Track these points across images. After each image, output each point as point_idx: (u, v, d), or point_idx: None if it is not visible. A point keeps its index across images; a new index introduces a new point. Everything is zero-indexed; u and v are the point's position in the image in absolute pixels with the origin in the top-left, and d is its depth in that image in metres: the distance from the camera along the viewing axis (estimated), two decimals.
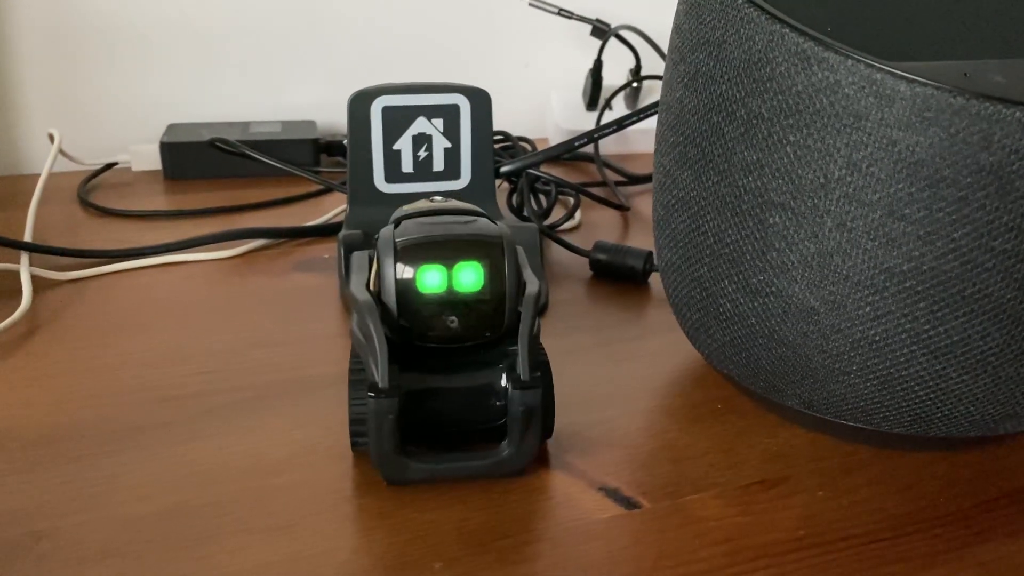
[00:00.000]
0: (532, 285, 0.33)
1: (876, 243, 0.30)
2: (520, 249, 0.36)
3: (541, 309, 0.47)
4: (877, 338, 0.31)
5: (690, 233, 0.35)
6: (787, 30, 0.30)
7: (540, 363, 0.34)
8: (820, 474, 0.35)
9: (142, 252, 0.52)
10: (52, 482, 0.33)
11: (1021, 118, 0.27)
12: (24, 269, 0.48)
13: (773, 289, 0.32)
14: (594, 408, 0.39)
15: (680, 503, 0.33)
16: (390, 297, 0.32)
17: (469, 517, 0.32)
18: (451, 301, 0.32)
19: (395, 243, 0.32)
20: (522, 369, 0.32)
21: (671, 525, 0.32)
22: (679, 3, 0.36)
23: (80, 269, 0.50)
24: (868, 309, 0.31)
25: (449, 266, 0.32)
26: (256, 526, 0.31)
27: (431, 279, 0.32)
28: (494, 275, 0.32)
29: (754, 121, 0.31)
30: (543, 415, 0.34)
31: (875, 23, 0.32)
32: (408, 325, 0.33)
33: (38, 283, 0.49)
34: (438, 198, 0.36)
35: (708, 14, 0.33)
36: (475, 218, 0.34)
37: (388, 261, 0.32)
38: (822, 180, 0.30)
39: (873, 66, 0.28)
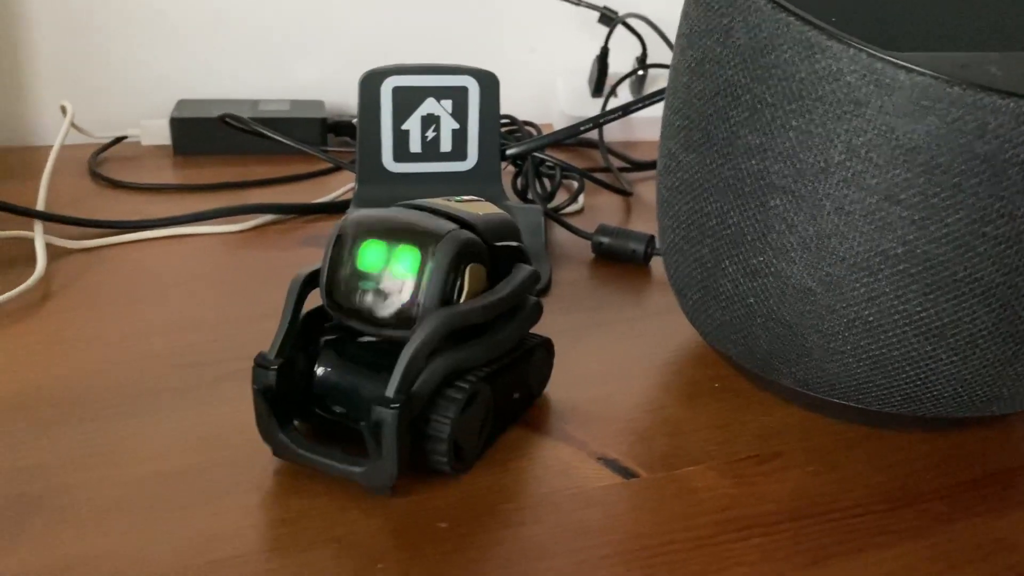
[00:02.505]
0: (450, 311, 0.31)
1: (872, 226, 0.31)
2: (525, 273, 0.35)
3: (542, 290, 0.48)
4: (871, 319, 0.32)
5: (693, 215, 0.36)
6: (792, 19, 0.31)
7: (468, 391, 0.32)
8: (812, 451, 0.36)
9: (154, 223, 0.53)
10: (70, 441, 0.34)
11: (1015, 109, 0.28)
12: (39, 237, 0.49)
13: (772, 270, 0.34)
14: (594, 383, 0.40)
15: (676, 474, 0.34)
16: (324, 269, 0.32)
17: (473, 482, 0.33)
18: (368, 279, 0.32)
19: (344, 221, 0.33)
20: (391, 384, 0.30)
21: (667, 494, 0.33)
22: None
23: (92, 239, 0.51)
24: (863, 290, 0.32)
25: (391, 245, 0.31)
26: (269, 485, 0.32)
27: (364, 255, 0.32)
28: (423, 270, 0.31)
29: (759, 106, 0.32)
30: (432, 438, 0.31)
31: (878, 14, 0.33)
32: (330, 296, 0.32)
33: (51, 251, 0.50)
34: (468, 197, 0.36)
35: (716, 2, 0.34)
36: (440, 217, 0.33)
37: (332, 235, 0.33)
38: (822, 164, 0.31)
39: (874, 55, 0.29)
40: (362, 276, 0.32)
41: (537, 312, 0.37)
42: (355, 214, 0.33)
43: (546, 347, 0.38)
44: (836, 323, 0.33)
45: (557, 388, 0.39)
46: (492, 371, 0.34)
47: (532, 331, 0.38)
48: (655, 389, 0.40)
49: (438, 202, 0.35)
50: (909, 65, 0.29)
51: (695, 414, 0.38)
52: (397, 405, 0.30)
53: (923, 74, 0.29)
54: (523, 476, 0.34)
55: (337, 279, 0.32)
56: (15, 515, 0.30)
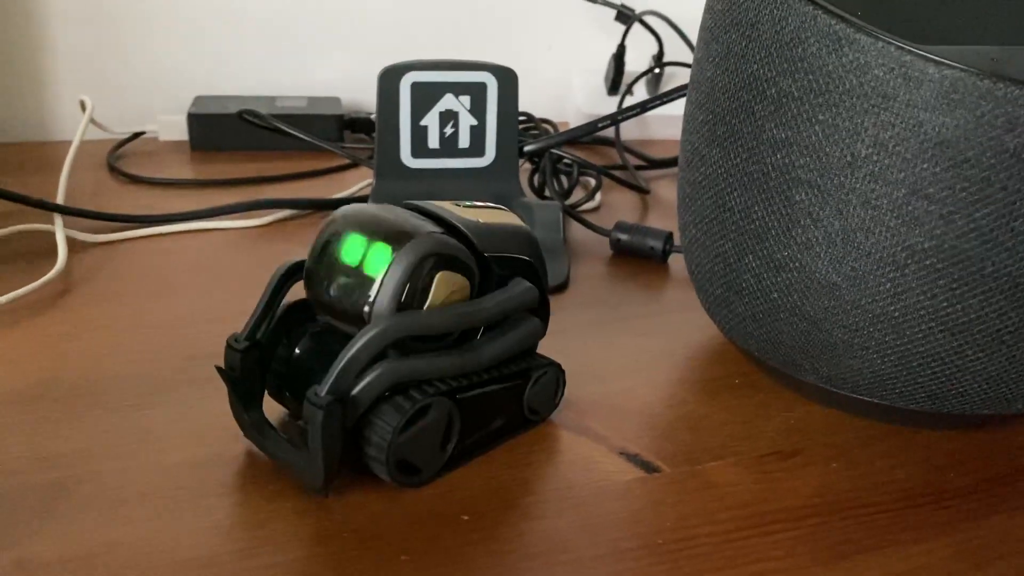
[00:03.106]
0: (399, 317, 0.30)
1: (899, 221, 0.31)
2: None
3: (560, 287, 0.48)
4: (896, 314, 0.32)
5: (716, 210, 0.36)
6: (820, 12, 0.31)
7: (418, 403, 0.30)
8: (834, 447, 0.36)
9: (173, 218, 0.53)
10: (92, 431, 0.34)
11: None
12: (59, 230, 0.49)
13: (797, 264, 0.33)
14: (614, 378, 0.40)
15: (699, 469, 0.34)
16: (308, 259, 0.32)
17: (494, 475, 0.33)
18: (342, 271, 0.31)
19: (335, 212, 0.32)
20: (324, 383, 0.29)
21: (690, 489, 0.33)
22: None
23: (111, 232, 0.51)
24: (889, 285, 0.32)
25: (369, 240, 0.31)
26: (289, 477, 0.32)
27: (344, 247, 0.31)
28: (388, 269, 0.30)
29: (784, 100, 0.32)
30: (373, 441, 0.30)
31: (904, 8, 0.33)
32: (308, 287, 0.32)
33: (71, 245, 0.50)
34: (484, 204, 0.35)
35: None
36: (425, 221, 0.32)
37: (322, 226, 0.32)
38: (849, 158, 0.31)
39: (903, 48, 0.29)
40: (338, 268, 0.31)
41: (535, 332, 0.34)
42: (346, 208, 0.32)
43: (549, 373, 0.35)
44: (861, 318, 0.33)
45: (577, 383, 0.39)
46: (462, 386, 0.32)
47: (547, 355, 0.36)
48: (675, 385, 0.40)
49: (442, 205, 0.34)
50: (938, 58, 0.29)
51: (716, 410, 0.38)
52: (325, 404, 0.29)
53: (953, 67, 0.29)
54: (544, 470, 0.33)
55: (317, 269, 0.32)
56: (41, 502, 0.30)
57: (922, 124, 0.29)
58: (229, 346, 0.32)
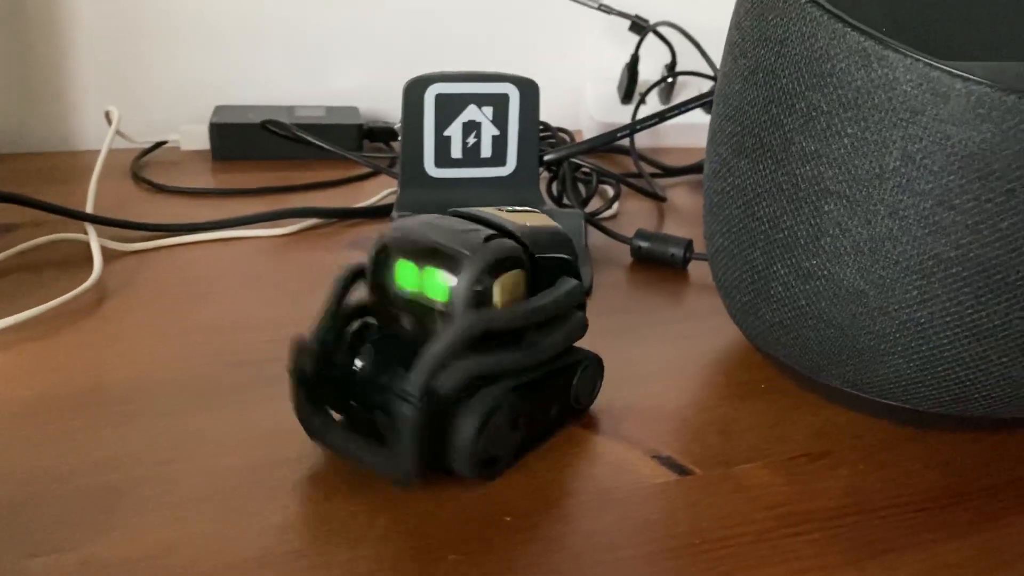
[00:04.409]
0: (477, 315, 0.31)
1: (926, 231, 0.32)
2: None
3: (584, 293, 0.49)
4: (922, 320, 0.33)
5: (744, 219, 0.37)
6: (849, 29, 0.32)
7: (494, 401, 0.32)
8: (861, 449, 0.37)
9: (202, 227, 0.54)
10: (143, 435, 0.35)
11: None
12: (93, 240, 0.50)
13: (825, 273, 0.34)
14: (642, 383, 0.41)
15: (730, 472, 0.35)
16: (368, 280, 0.34)
17: (533, 477, 0.34)
18: (404, 298, 0.33)
19: (382, 234, 0.33)
20: (413, 380, 0.30)
21: (723, 490, 0.34)
22: (739, 2, 0.38)
23: (142, 241, 0.52)
24: (915, 293, 0.33)
25: (420, 267, 0.32)
26: (337, 480, 0.33)
27: (398, 275, 0.33)
28: (451, 292, 0.32)
29: (813, 114, 0.33)
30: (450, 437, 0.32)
31: (930, 25, 0.34)
32: (375, 308, 0.34)
33: (104, 253, 0.51)
34: (523, 208, 0.37)
35: (771, 12, 0.35)
36: (483, 229, 0.33)
37: (371, 248, 0.34)
38: (877, 170, 0.32)
39: (931, 65, 0.30)
40: (398, 295, 0.33)
41: (581, 326, 0.36)
42: (393, 228, 0.33)
43: (592, 363, 0.38)
44: (887, 325, 0.34)
45: (606, 387, 0.40)
46: (526, 381, 0.34)
47: (581, 348, 0.38)
48: (703, 389, 0.41)
49: (487, 211, 0.35)
50: (965, 74, 0.30)
51: (744, 414, 0.39)
52: (415, 399, 0.30)
53: (980, 83, 0.30)
54: (580, 473, 0.35)
55: (379, 293, 0.34)
56: (99, 505, 0.31)
57: (949, 138, 0.31)
58: (300, 349, 0.33)
